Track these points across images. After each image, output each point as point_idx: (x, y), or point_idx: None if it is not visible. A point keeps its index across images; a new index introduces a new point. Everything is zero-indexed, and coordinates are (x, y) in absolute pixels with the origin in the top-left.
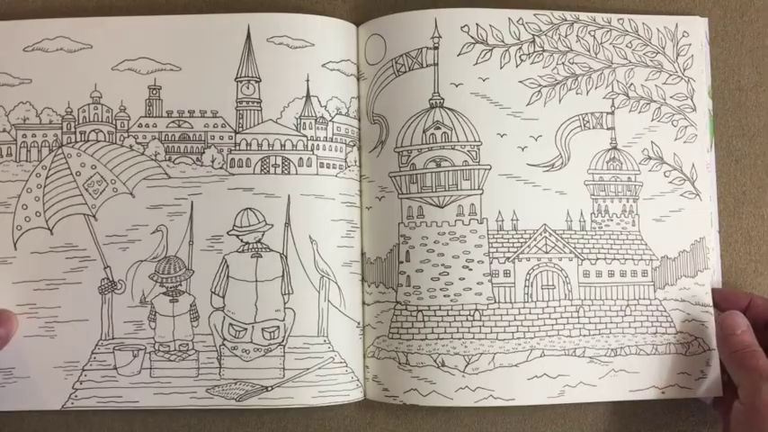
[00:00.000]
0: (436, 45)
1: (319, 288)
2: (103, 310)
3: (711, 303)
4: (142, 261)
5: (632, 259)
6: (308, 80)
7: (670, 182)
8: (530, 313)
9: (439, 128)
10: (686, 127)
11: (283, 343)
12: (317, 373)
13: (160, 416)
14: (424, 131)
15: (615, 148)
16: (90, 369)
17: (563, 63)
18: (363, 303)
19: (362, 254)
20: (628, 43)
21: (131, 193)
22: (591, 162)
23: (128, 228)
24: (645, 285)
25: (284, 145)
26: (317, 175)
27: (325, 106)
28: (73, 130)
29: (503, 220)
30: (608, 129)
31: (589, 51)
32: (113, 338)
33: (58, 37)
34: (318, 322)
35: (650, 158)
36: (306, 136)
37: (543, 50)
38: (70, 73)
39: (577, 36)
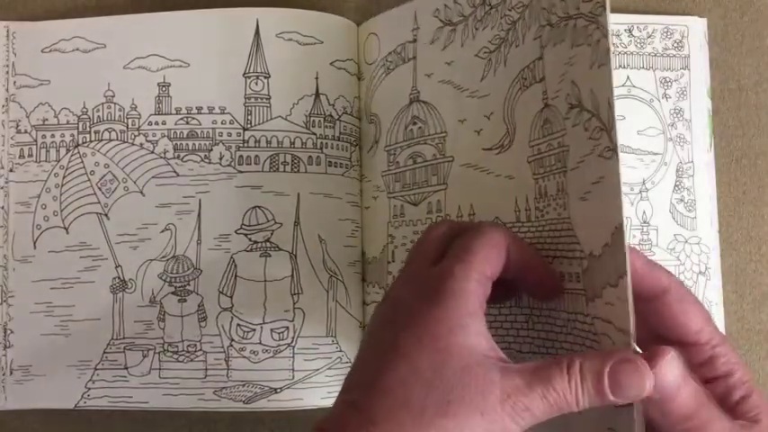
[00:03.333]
0: (415, 37)
1: (328, 288)
2: (115, 310)
3: (631, 329)
4: (152, 260)
5: (565, 257)
6: (317, 77)
7: (590, 137)
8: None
9: (416, 123)
10: (606, 52)
11: (292, 344)
12: (326, 373)
13: (160, 416)
14: (405, 128)
15: (547, 105)
16: (102, 368)
17: (505, 15)
18: (363, 303)
19: (362, 253)
20: None
21: (141, 192)
22: (530, 131)
23: (138, 227)
24: (577, 295)
25: (293, 142)
26: (325, 173)
27: (333, 104)
28: (88, 129)
29: (462, 216)
30: (539, 81)
31: None
32: (124, 338)
33: (74, 37)
34: (327, 323)
35: (572, 107)
36: (315, 134)
37: (491, 7)
38: (85, 73)
39: None
